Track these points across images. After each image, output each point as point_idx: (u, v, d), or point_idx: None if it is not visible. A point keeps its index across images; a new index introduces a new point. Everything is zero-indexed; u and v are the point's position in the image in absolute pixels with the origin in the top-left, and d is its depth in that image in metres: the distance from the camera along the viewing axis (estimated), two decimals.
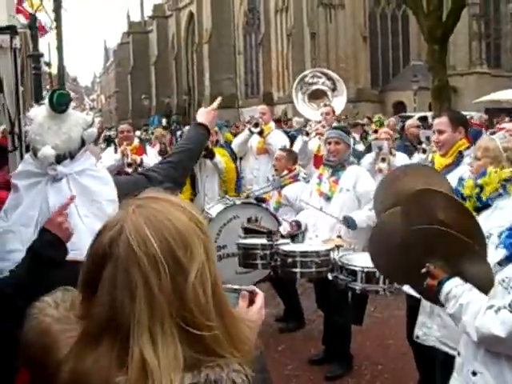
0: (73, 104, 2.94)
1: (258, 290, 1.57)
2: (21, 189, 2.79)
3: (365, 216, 5.13)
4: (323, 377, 5.24)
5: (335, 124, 8.08)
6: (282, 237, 5.16)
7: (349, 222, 5.13)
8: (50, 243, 2.43)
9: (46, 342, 1.32)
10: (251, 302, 1.52)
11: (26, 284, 2.30)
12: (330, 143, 5.45)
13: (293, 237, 5.43)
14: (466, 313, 2.51)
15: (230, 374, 1.18)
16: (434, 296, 2.71)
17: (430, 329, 3.70)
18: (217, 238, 5.82)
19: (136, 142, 8.28)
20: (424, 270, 2.70)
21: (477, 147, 3.61)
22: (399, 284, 3.89)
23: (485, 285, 2.55)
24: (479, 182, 3.25)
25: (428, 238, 2.71)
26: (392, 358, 5.57)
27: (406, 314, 4.65)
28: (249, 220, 5.80)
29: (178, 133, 23.48)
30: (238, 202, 6.10)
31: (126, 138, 7.88)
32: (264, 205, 6.27)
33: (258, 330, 1.44)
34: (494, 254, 2.65)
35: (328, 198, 5.35)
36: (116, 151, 7.74)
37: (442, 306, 2.69)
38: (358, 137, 12.12)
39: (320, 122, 8.19)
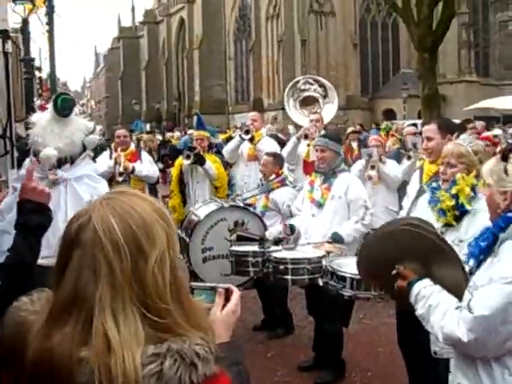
0: (77, 109, 2.97)
1: (233, 287, 1.64)
2: (18, 191, 2.79)
3: (351, 229, 5.22)
4: (312, 383, 5.24)
5: (323, 132, 8.10)
6: (275, 243, 5.18)
7: (335, 239, 5.14)
8: (33, 210, 2.40)
9: (21, 330, 1.36)
10: (227, 299, 1.60)
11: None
12: (317, 150, 5.53)
13: (277, 242, 5.41)
14: (434, 313, 2.53)
15: (193, 346, 1.25)
16: (404, 298, 2.71)
17: None
18: (204, 239, 5.85)
19: (132, 146, 8.25)
20: (394, 272, 2.73)
21: (448, 153, 3.66)
22: (378, 290, 3.89)
23: (455, 289, 2.58)
24: (453, 191, 3.31)
25: (401, 239, 2.76)
26: (382, 365, 5.59)
27: (396, 320, 4.66)
28: (236, 223, 5.83)
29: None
30: (225, 205, 6.12)
31: (122, 143, 7.87)
32: (251, 208, 6.29)
33: (233, 326, 1.57)
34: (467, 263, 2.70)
35: (320, 205, 5.37)
36: (111, 156, 7.72)
37: (413, 310, 2.68)
38: (355, 144, 12.10)
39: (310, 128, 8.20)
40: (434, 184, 3.78)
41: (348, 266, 4.37)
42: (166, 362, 1.21)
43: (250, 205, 6.55)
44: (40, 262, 2.45)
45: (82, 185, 2.86)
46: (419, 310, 2.62)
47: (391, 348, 5.51)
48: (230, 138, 13.48)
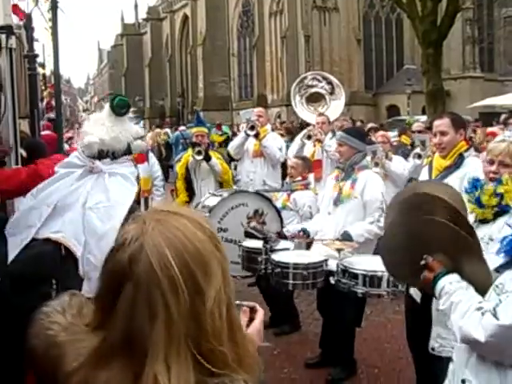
0: (131, 114, 3.06)
1: (258, 306, 1.57)
2: (57, 175, 3.00)
3: (363, 230, 5.06)
4: (320, 380, 5.21)
5: (330, 134, 8.12)
6: (283, 237, 5.15)
7: (345, 238, 5.06)
8: None
9: (55, 353, 1.26)
10: (251, 318, 1.53)
11: None
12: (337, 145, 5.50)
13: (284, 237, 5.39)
14: (455, 311, 2.48)
15: None
16: (429, 290, 2.67)
17: (445, 339, 3.64)
18: (222, 218, 5.73)
19: None
20: (423, 263, 2.67)
21: (503, 152, 3.42)
22: (404, 282, 3.80)
23: (482, 285, 2.51)
24: (499, 190, 3.19)
25: (430, 230, 2.68)
26: (389, 362, 5.56)
27: (405, 317, 4.63)
28: (255, 212, 5.73)
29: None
30: (250, 190, 6.03)
31: None
32: (274, 201, 6.21)
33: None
34: (494, 259, 2.62)
35: (336, 204, 5.28)
36: None
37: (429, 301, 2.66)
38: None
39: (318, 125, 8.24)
40: (475, 175, 3.65)
41: (360, 263, 4.34)
42: None
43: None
44: (51, 235, 2.58)
45: (114, 181, 2.96)
46: (442, 306, 2.58)
47: (398, 344, 5.49)
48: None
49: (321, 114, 8.71)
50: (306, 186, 6.59)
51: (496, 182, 3.19)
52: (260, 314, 1.55)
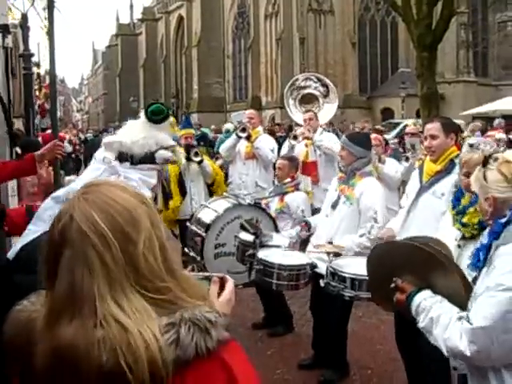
0: (171, 120, 3.00)
1: (227, 276, 1.66)
2: (88, 168, 3.04)
3: (354, 243, 4.96)
4: (312, 381, 5.22)
5: (320, 130, 8.09)
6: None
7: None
8: None
9: (26, 329, 1.36)
10: (221, 288, 1.62)
11: None
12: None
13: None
14: (437, 326, 2.47)
15: (203, 313, 1.29)
16: (405, 311, 2.67)
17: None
18: (218, 234, 5.78)
19: None
20: (393, 285, 2.69)
21: (470, 163, 3.44)
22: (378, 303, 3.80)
23: (456, 298, 2.53)
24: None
25: (395, 254, 2.75)
26: (381, 363, 5.58)
27: (395, 320, 4.66)
28: (249, 220, 5.77)
29: None
30: (243, 202, 6.06)
31: None
32: (267, 209, 6.23)
33: (230, 315, 1.51)
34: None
35: (334, 206, 5.27)
36: None
37: (415, 320, 2.63)
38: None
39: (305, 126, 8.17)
40: (456, 189, 3.67)
41: (349, 266, 4.34)
42: (182, 330, 1.25)
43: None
44: None
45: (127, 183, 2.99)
46: (421, 323, 2.57)
47: (390, 346, 5.50)
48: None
49: (308, 111, 8.66)
50: (297, 187, 6.58)
51: (475, 197, 3.15)
52: (230, 284, 1.63)
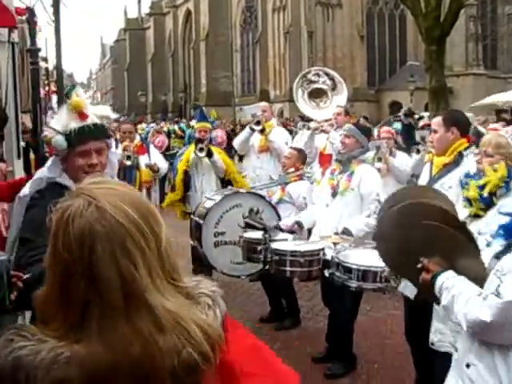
0: (69, 102, 2.86)
1: None
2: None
3: (362, 224, 5.07)
4: (319, 374, 5.21)
5: (347, 125, 8.05)
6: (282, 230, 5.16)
7: (346, 234, 5.08)
8: None
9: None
10: None
11: None
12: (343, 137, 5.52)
13: (291, 232, 5.42)
14: (457, 302, 2.52)
15: (209, 287, 1.37)
16: (429, 290, 2.71)
17: (444, 335, 3.66)
18: (217, 223, 5.76)
19: (137, 140, 8.17)
20: (420, 265, 2.72)
21: (486, 143, 3.58)
22: (406, 279, 3.82)
23: (476, 277, 2.57)
24: (481, 182, 3.24)
25: (426, 234, 2.73)
26: (389, 357, 5.57)
27: (404, 313, 4.65)
28: (250, 211, 5.75)
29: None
30: (242, 191, 6.03)
31: (126, 138, 7.87)
32: (267, 197, 6.22)
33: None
34: (489, 249, 2.68)
35: (334, 196, 5.32)
36: (117, 147, 7.66)
37: (438, 302, 2.68)
38: None
39: (329, 120, 8.14)
40: (469, 171, 3.69)
41: (354, 257, 4.35)
42: (217, 309, 1.33)
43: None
44: None
45: None
46: (443, 301, 2.62)
47: (398, 340, 5.49)
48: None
49: (338, 106, 8.62)
50: (301, 177, 6.58)
51: (480, 174, 3.28)
52: None
